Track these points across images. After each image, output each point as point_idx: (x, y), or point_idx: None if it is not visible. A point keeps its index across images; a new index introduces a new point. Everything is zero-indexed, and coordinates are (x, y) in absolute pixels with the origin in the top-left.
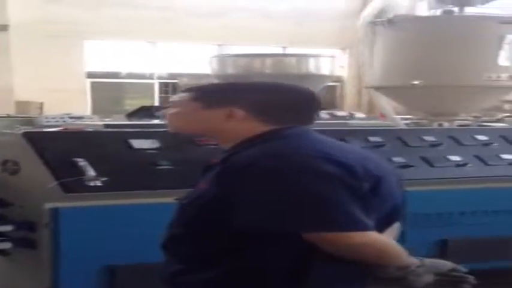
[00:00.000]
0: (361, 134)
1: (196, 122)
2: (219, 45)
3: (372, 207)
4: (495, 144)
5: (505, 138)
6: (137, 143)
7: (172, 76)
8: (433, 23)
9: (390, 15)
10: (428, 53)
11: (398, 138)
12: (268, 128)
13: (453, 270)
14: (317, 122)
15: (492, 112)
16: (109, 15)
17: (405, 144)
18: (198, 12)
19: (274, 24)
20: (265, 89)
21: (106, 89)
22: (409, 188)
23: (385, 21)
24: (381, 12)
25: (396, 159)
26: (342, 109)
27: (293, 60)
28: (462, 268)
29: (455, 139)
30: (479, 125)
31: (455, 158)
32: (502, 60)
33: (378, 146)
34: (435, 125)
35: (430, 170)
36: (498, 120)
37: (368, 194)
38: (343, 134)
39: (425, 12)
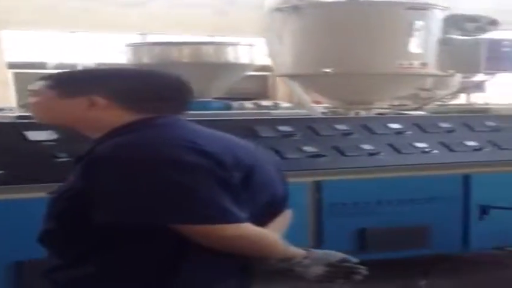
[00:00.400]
0: (271, 123)
1: (55, 111)
2: (142, 34)
3: (245, 198)
4: (408, 132)
5: (418, 126)
6: (33, 135)
7: (97, 66)
8: (340, 8)
9: (296, 1)
10: (338, 40)
11: (309, 127)
12: (137, 117)
13: (344, 260)
14: (234, 112)
15: (414, 100)
16: (29, 4)
17: (316, 133)
18: (119, 1)
19: (198, 12)
20: (128, 76)
21: (32, 80)
22: (321, 178)
23: (290, 8)
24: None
25: (307, 148)
26: (274, 99)
27: (211, 48)
28: (353, 258)
29: (368, 128)
30: (396, 114)
31: (368, 146)
32: (413, 47)
33: (288, 135)
34: (352, 114)
35: (342, 159)
36: (416, 109)
37: (239, 184)
38: (253, 124)
39: None
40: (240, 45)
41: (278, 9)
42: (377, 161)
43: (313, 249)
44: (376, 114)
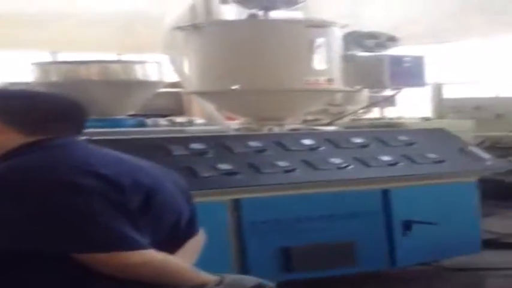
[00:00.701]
0: (184, 141)
1: None
2: (52, 52)
3: (146, 223)
4: (322, 148)
5: (331, 141)
6: None
7: (4, 86)
8: (240, 27)
9: (196, 19)
10: (242, 57)
11: (222, 144)
12: (31, 139)
13: (259, 285)
14: (146, 129)
15: (325, 115)
16: None
17: (230, 150)
18: (29, 19)
19: (106, 30)
20: (19, 97)
21: None
22: (239, 196)
23: (191, 27)
24: (187, 17)
25: (221, 166)
26: (189, 115)
27: (119, 67)
28: (269, 283)
29: (282, 144)
30: (308, 129)
31: (283, 163)
32: (317, 64)
33: (201, 153)
34: (265, 130)
35: (258, 176)
36: (328, 124)
37: (139, 208)
38: (165, 142)
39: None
40: (148, 63)
41: (179, 28)
42: (294, 177)
43: (226, 275)
44: (289, 130)
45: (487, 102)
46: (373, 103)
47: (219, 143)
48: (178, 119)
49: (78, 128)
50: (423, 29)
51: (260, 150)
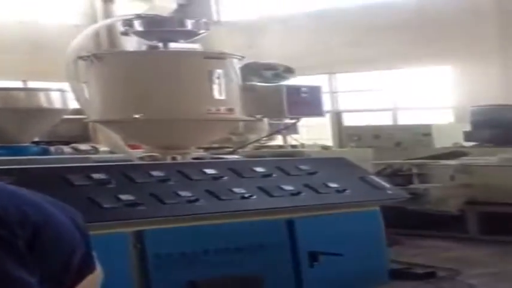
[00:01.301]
0: (84, 170)
1: None
2: None
3: (34, 259)
4: (225, 177)
5: (234, 171)
6: None
7: None
8: (140, 58)
9: (99, 49)
10: (144, 87)
11: (124, 174)
12: None
13: None
14: (46, 157)
15: (228, 144)
16: None
17: (132, 180)
18: None
19: (11, 57)
20: None
21: None
22: (142, 228)
23: (91, 57)
24: (89, 46)
25: (123, 196)
26: (95, 142)
27: (22, 94)
28: None
29: (185, 174)
30: (211, 158)
31: (186, 193)
32: (217, 93)
33: (102, 183)
34: (168, 159)
35: (161, 206)
36: (232, 152)
37: (26, 244)
38: (66, 172)
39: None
40: (52, 90)
41: (80, 58)
42: (197, 207)
43: None
44: (192, 159)
45: (385, 130)
46: (274, 132)
47: (121, 173)
48: (83, 147)
49: None
50: (322, 59)
51: (163, 180)
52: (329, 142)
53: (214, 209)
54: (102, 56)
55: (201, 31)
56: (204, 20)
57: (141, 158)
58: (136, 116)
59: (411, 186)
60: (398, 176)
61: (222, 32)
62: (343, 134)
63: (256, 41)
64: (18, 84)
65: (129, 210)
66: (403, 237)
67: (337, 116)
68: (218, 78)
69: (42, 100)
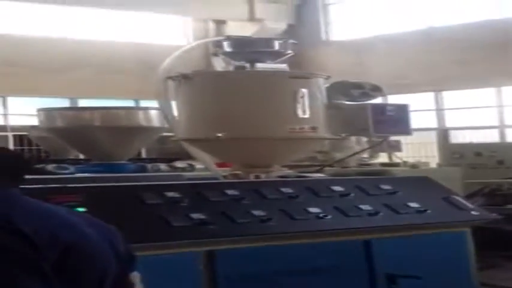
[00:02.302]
0: (158, 189)
1: None
2: (71, 98)
3: (63, 279)
4: (301, 196)
5: (310, 189)
6: None
7: (25, 129)
8: (227, 77)
9: (187, 70)
10: (230, 106)
11: (197, 192)
12: None
13: None
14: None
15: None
16: None
17: (206, 199)
18: (49, 68)
19: (125, 77)
20: None
21: None
22: (212, 248)
23: (180, 77)
24: (176, 67)
25: (195, 215)
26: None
27: (122, 113)
28: None
29: (260, 192)
30: (295, 177)
31: (259, 212)
32: (301, 112)
33: (175, 201)
34: (251, 177)
35: (232, 226)
36: (317, 171)
37: (54, 266)
38: (139, 191)
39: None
40: (151, 109)
41: (169, 78)
42: (269, 227)
43: None
44: (276, 177)
45: (488, 148)
46: (360, 150)
47: (194, 191)
48: (179, 164)
49: (13, 179)
50: (428, 76)
51: (237, 199)
52: (435, 160)
53: (287, 229)
54: (190, 76)
55: (288, 51)
56: (291, 41)
57: (225, 176)
58: (219, 134)
59: (508, 206)
60: (496, 196)
61: (331, 51)
62: (447, 151)
63: (362, 60)
64: (131, 103)
65: (199, 229)
66: (499, 259)
67: (443, 133)
68: (302, 97)
69: (141, 118)
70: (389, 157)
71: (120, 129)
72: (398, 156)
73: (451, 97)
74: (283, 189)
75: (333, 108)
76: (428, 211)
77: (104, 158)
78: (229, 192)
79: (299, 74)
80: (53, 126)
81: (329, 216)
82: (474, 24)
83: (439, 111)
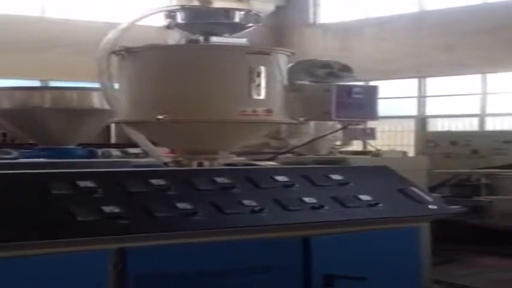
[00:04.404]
0: (70, 177)
1: None
2: (42, 80)
3: None
4: (236, 187)
5: (249, 179)
6: None
7: None
8: (176, 51)
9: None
10: (174, 85)
11: (116, 183)
12: None
13: None
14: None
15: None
16: None
17: (125, 189)
18: (20, 48)
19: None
20: None
21: None
22: (123, 245)
23: (123, 51)
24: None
25: (107, 208)
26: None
27: (74, 94)
28: None
29: (190, 182)
30: (245, 165)
31: (185, 205)
32: (256, 93)
33: (86, 192)
34: (194, 165)
35: (151, 221)
36: (271, 159)
37: None
38: (45, 179)
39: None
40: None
41: (113, 53)
42: (194, 222)
43: None
44: (222, 164)
45: (463, 136)
46: (317, 137)
47: (112, 181)
48: (133, 150)
49: None
50: (414, 62)
51: (161, 190)
52: (411, 149)
53: (214, 224)
54: (136, 51)
55: (249, 24)
56: (254, 12)
57: (166, 164)
58: (160, 116)
59: (475, 198)
60: (464, 187)
61: (317, 34)
62: (422, 140)
63: (349, 44)
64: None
65: (110, 224)
66: (460, 253)
67: (422, 121)
68: (258, 76)
69: (95, 100)
70: (364, 145)
71: (72, 110)
72: (372, 145)
73: (435, 84)
74: (218, 179)
75: (294, 90)
76: (380, 205)
77: (52, 143)
78: (154, 182)
79: (256, 49)
80: (0, 108)
81: (266, 210)
82: (466, 9)
83: (421, 98)
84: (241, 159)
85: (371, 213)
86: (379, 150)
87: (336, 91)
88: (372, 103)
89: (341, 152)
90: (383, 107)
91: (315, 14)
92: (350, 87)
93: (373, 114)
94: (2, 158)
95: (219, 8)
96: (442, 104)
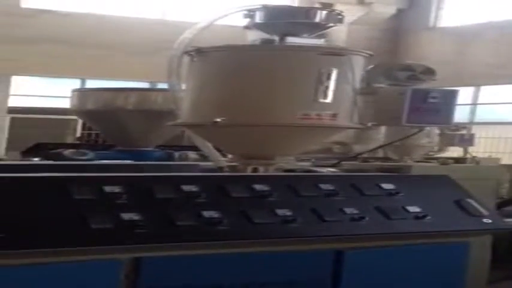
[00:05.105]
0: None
1: None
2: (151, 82)
3: None
4: (274, 195)
5: (290, 187)
6: None
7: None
8: (241, 53)
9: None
10: (236, 86)
11: (144, 188)
12: None
13: None
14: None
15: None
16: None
17: (151, 195)
18: (129, 51)
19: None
20: None
21: (25, 125)
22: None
23: (194, 51)
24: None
25: (126, 215)
26: None
27: (159, 96)
28: None
29: (224, 189)
30: (304, 171)
31: (212, 213)
32: (323, 96)
33: (109, 198)
34: (249, 170)
35: (169, 229)
36: (334, 165)
37: None
38: (67, 182)
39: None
40: None
41: (186, 53)
42: (218, 232)
43: None
44: (281, 170)
45: None
46: (381, 145)
47: (138, 186)
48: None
49: None
50: None
51: (191, 197)
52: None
53: (240, 234)
54: (206, 51)
55: (330, 24)
56: (337, 11)
57: (220, 169)
58: (218, 119)
59: None
60: None
61: (435, 37)
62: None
63: (466, 48)
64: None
65: (126, 233)
66: None
67: None
68: (328, 78)
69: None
70: (465, 152)
71: (155, 112)
72: (469, 152)
73: None
74: (256, 186)
75: (368, 93)
76: (428, 217)
77: (131, 144)
78: (185, 188)
79: (329, 50)
80: (85, 109)
81: (299, 220)
82: None
83: None
84: (305, 164)
85: (415, 226)
86: (475, 157)
87: (410, 95)
88: (449, 108)
89: (436, 158)
90: (491, 113)
91: (436, 17)
92: (426, 91)
93: (448, 120)
94: (76, 159)
95: (299, 7)
96: None
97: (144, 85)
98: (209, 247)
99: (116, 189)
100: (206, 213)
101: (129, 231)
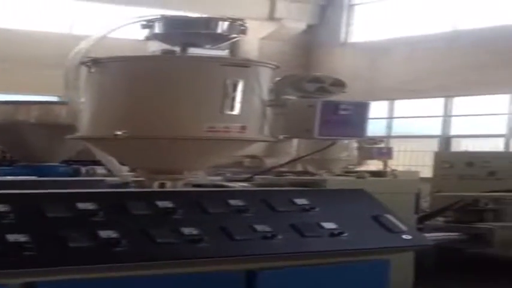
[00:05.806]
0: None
1: None
2: (59, 96)
3: None
4: (178, 212)
5: (197, 204)
6: None
7: None
8: (139, 63)
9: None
10: (135, 98)
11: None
12: None
13: None
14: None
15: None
16: None
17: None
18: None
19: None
20: None
21: None
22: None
23: (90, 62)
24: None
25: (11, 237)
26: None
27: (63, 109)
28: None
29: (123, 207)
30: (213, 186)
31: (109, 233)
32: (229, 108)
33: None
34: (155, 185)
35: (61, 253)
36: (247, 179)
37: None
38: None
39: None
40: None
41: (82, 63)
42: (115, 254)
43: None
44: (189, 185)
45: (481, 157)
46: (297, 158)
47: (28, 204)
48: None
49: None
50: (442, 82)
51: (87, 215)
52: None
53: (140, 256)
54: (103, 61)
55: (232, 35)
56: (239, 22)
57: (125, 184)
58: (118, 132)
59: (474, 225)
60: (469, 212)
61: (346, 53)
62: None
63: (378, 63)
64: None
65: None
66: (455, 284)
67: (445, 142)
68: (234, 90)
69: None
70: (384, 165)
71: (59, 126)
72: (388, 165)
73: (464, 104)
74: (159, 203)
75: (277, 105)
76: (345, 234)
77: (34, 159)
78: (80, 206)
79: (234, 61)
80: None
81: (207, 239)
82: (500, 28)
83: (446, 117)
84: (217, 178)
85: (331, 244)
86: (394, 170)
87: (320, 107)
88: (361, 120)
89: (354, 172)
90: (407, 127)
91: (346, 33)
92: (337, 103)
93: (361, 132)
94: None
95: (199, 18)
96: (469, 124)
97: (53, 99)
98: (106, 270)
99: (2, 208)
100: (103, 233)
101: (17, 254)
